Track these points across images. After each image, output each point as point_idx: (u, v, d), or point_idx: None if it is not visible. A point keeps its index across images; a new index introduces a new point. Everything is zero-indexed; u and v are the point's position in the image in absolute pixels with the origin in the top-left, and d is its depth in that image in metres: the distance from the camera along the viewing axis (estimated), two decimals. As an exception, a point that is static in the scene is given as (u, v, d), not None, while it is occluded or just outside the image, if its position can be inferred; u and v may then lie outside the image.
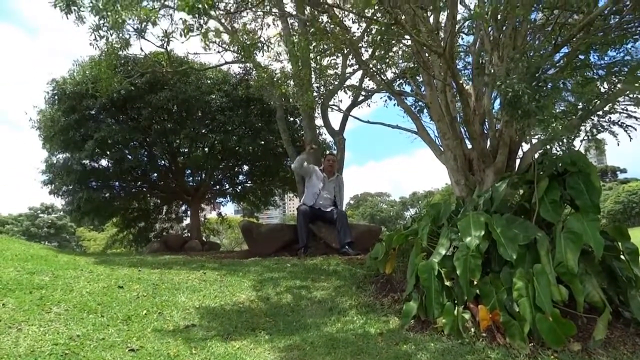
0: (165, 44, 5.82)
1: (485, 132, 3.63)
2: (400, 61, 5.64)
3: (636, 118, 3.47)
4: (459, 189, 3.59)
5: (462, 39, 4.91)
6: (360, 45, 5.00)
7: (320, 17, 4.70)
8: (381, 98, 7.20)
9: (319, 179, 5.27)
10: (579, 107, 3.35)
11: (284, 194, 11.40)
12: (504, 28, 3.29)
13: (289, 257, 4.48)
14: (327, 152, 7.07)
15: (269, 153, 8.23)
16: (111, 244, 11.60)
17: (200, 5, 2.73)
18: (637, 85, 3.22)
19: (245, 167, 9.90)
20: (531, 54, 3.08)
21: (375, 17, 3.79)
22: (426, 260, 2.64)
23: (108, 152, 7.70)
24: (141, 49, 8.56)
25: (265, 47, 5.23)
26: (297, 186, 5.96)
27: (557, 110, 3.40)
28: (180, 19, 5.46)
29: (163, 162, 8.84)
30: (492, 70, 3.32)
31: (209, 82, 7.78)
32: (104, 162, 8.13)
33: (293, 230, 5.16)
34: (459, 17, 3.61)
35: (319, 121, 7.25)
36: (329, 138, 9.26)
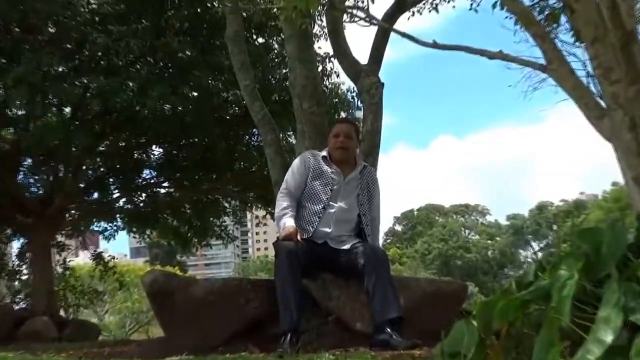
0: None
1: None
2: None
3: None
4: (643, 196, 3.59)
5: None
6: None
7: None
8: (463, -9, 7.24)
9: (323, 180, 5.24)
10: None
11: (243, 210, 11.43)
12: None
13: (258, 354, 4.50)
14: (341, 115, 7.11)
15: (211, 118, 8.27)
16: None
17: None
18: None
19: (157, 151, 9.94)
20: None
21: None
22: (571, 357, 2.65)
23: None
24: None
25: None
26: (274, 192, 6.01)
27: None
28: None
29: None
30: None
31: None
32: None
33: (266, 292, 5.18)
34: None
35: (323, 45, 7.26)
36: (347, 83, 9.25)
